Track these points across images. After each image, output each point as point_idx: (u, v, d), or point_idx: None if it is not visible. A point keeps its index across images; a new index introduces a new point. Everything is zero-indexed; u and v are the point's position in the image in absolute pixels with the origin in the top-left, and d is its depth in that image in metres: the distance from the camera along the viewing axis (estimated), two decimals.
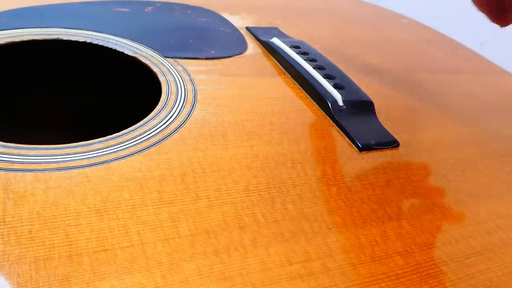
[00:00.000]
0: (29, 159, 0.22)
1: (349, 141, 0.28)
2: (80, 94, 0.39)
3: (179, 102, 0.28)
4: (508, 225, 0.24)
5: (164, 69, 0.31)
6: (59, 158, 0.22)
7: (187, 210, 0.21)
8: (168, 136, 0.25)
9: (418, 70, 0.38)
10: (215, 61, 0.34)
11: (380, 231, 0.22)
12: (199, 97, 0.29)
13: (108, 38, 0.34)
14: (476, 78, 0.42)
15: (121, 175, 0.22)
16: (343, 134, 0.28)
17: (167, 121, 0.26)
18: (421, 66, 0.36)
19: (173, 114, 0.27)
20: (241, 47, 0.37)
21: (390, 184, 0.25)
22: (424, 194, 0.25)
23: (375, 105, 0.31)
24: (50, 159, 0.22)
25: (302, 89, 0.33)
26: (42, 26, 0.34)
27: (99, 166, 0.22)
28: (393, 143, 0.29)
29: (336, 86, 0.31)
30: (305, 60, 0.34)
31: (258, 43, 0.39)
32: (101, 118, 0.39)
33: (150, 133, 0.25)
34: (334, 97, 0.30)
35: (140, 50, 0.33)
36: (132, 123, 0.26)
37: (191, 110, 0.28)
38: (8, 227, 0.18)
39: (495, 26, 0.33)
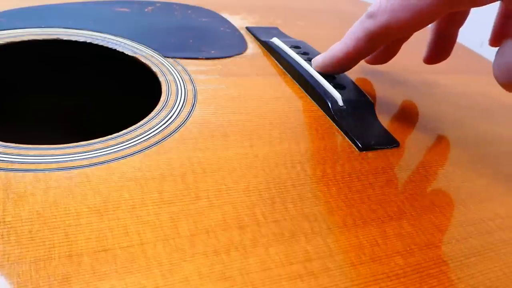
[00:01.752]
0: (29, 159, 0.22)
1: (349, 141, 0.28)
2: (80, 94, 0.39)
3: (179, 102, 0.28)
4: (508, 225, 0.24)
5: (164, 69, 0.31)
6: (59, 158, 0.22)
7: (187, 210, 0.21)
8: (168, 136, 0.25)
9: (419, 70, 0.38)
10: (215, 61, 0.34)
11: (380, 231, 0.22)
12: (199, 97, 0.29)
13: (108, 38, 0.34)
14: (476, 78, 0.42)
15: (121, 175, 0.22)
16: (343, 134, 0.28)
17: (167, 121, 0.26)
18: (422, 66, 0.36)
19: (173, 114, 0.27)
20: (241, 47, 0.37)
21: (390, 184, 0.25)
22: (424, 194, 0.25)
23: (375, 105, 0.31)
24: (50, 159, 0.22)
25: (302, 89, 0.33)
26: (42, 26, 0.34)
27: (99, 166, 0.22)
28: (393, 143, 0.29)
29: (336, 86, 0.31)
30: (305, 60, 0.34)
31: (258, 43, 0.39)
32: (101, 118, 0.39)
33: (150, 133, 0.25)
34: (334, 97, 0.30)
35: (140, 50, 0.33)
36: (132, 123, 0.26)
37: (191, 110, 0.28)
38: (8, 227, 0.18)
39: None
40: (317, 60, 0.32)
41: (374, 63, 0.35)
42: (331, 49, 0.31)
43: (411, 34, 0.32)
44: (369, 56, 0.35)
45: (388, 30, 0.27)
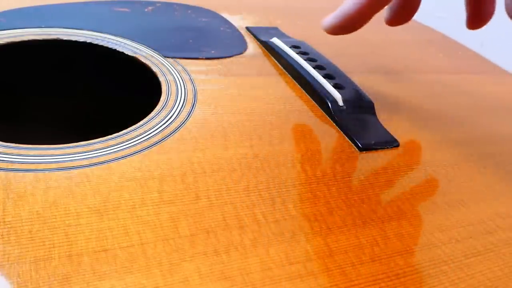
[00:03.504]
0: (29, 159, 0.22)
1: (349, 141, 0.28)
2: (80, 94, 0.39)
3: (179, 102, 0.28)
4: (508, 225, 0.24)
5: (164, 69, 0.31)
6: (59, 158, 0.22)
7: (187, 210, 0.21)
8: (168, 136, 0.25)
9: (419, 70, 0.38)
10: (215, 61, 0.34)
11: (380, 231, 0.22)
12: (199, 97, 0.29)
13: (108, 38, 0.34)
14: (477, 78, 0.42)
15: (121, 175, 0.22)
16: (343, 134, 0.28)
17: (167, 121, 0.26)
18: (422, 66, 0.36)
19: (173, 114, 0.27)
20: (241, 47, 0.37)
21: (390, 184, 0.25)
22: (424, 194, 0.25)
23: (375, 105, 0.31)
24: (50, 159, 0.22)
25: (302, 89, 0.33)
26: (42, 26, 0.34)
27: (99, 166, 0.22)
28: (393, 143, 0.29)
29: (336, 86, 0.31)
30: (305, 60, 0.34)
31: (258, 43, 0.39)
32: (101, 118, 0.39)
33: (150, 133, 0.25)
34: (334, 97, 0.30)
35: (140, 50, 0.33)
36: (132, 123, 0.26)
37: (191, 110, 0.28)
38: (8, 227, 0.18)
39: (496, 26, 0.33)
40: (327, 20, 0.30)
41: (394, 23, 0.32)
42: (341, 8, 0.29)
43: None
44: (388, 16, 0.32)
45: None
